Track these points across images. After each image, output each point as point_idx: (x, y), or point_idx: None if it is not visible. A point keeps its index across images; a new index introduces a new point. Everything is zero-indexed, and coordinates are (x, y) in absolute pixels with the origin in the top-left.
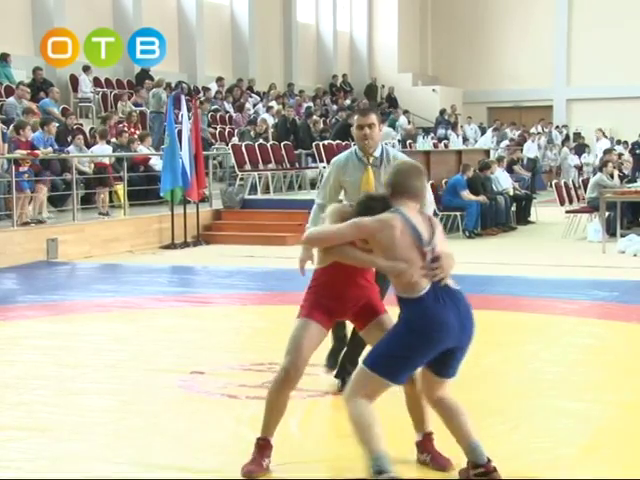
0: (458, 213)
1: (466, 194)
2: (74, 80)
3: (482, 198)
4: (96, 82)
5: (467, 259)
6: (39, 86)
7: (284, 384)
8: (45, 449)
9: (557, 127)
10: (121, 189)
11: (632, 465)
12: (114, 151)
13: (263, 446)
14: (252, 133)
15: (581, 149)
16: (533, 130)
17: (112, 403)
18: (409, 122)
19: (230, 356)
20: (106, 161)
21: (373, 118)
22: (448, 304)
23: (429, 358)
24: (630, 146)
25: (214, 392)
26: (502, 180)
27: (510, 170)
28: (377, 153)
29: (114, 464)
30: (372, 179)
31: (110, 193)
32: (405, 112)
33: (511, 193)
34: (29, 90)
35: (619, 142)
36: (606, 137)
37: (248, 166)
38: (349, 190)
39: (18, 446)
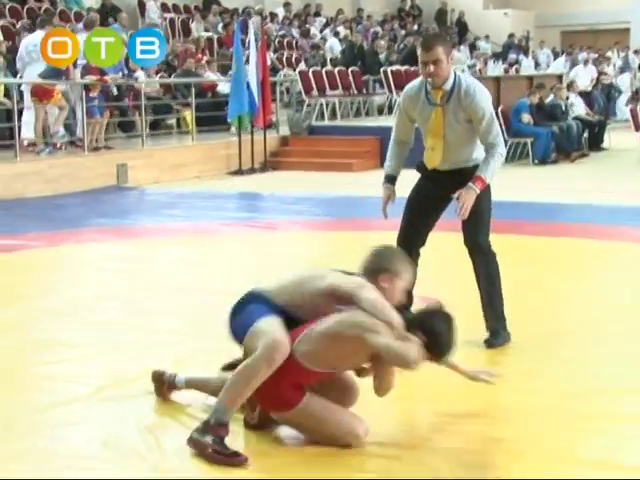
0: (528, 140)
1: (526, 117)
2: (142, 6)
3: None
4: (164, 7)
5: (537, 186)
6: (107, 12)
7: None
8: (118, 367)
9: (635, 51)
10: (189, 115)
11: None
12: (183, 77)
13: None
14: (317, 58)
15: None
16: (609, 54)
17: (181, 324)
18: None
19: None
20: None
21: (438, 53)
22: None
23: None
24: None
25: None
26: (575, 105)
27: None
28: (448, 86)
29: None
30: (441, 120)
31: (178, 120)
32: (486, 37)
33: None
34: (98, 16)
35: None
36: None
37: (315, 92)
38: (421, 129)
39: (93, 363)
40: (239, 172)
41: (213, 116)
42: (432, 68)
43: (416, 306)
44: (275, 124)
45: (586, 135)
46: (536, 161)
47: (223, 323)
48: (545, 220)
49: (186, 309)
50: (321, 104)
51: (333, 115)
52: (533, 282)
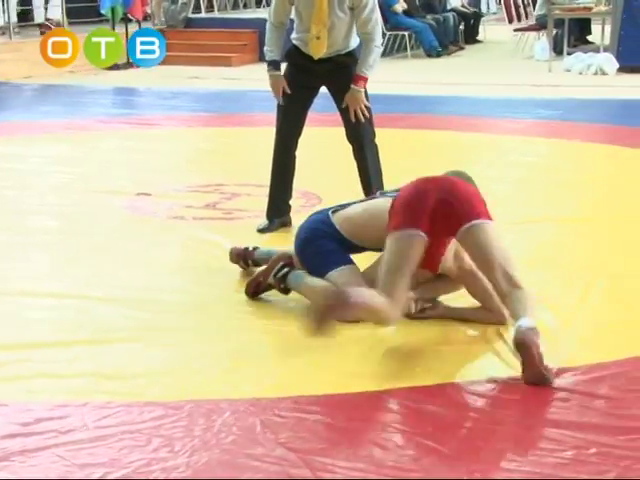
0: (406, 33)
1: (398, 7)
2: None
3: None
4: None
5: (414, 79)
6: None
7: None
8: None
9: None
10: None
11: (567, 276)
12: None
13: None
14: None
15: None
16: None
17: (58, 224)
18: None
19: (176, 178)
20: None
21: None
22: None
23: None
24: None
25: (161, 213)
26: None
27: None
28: None
29: (66, 284)
30: (326, 8)
31: (46, 10)
32: None
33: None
34: None
35: None
36: None
37: None
38: (302, 13)
39: None
40: (114, 67)
41: (85, 7)
42: None
43: (295, 201)
44: (151, 16)
45: (462, 28)
46: (435, 53)
47: (101, 222)
48: (420, 113)
49: (63, 208)
50: None
51: (210, 7)
52: (408, 174)
